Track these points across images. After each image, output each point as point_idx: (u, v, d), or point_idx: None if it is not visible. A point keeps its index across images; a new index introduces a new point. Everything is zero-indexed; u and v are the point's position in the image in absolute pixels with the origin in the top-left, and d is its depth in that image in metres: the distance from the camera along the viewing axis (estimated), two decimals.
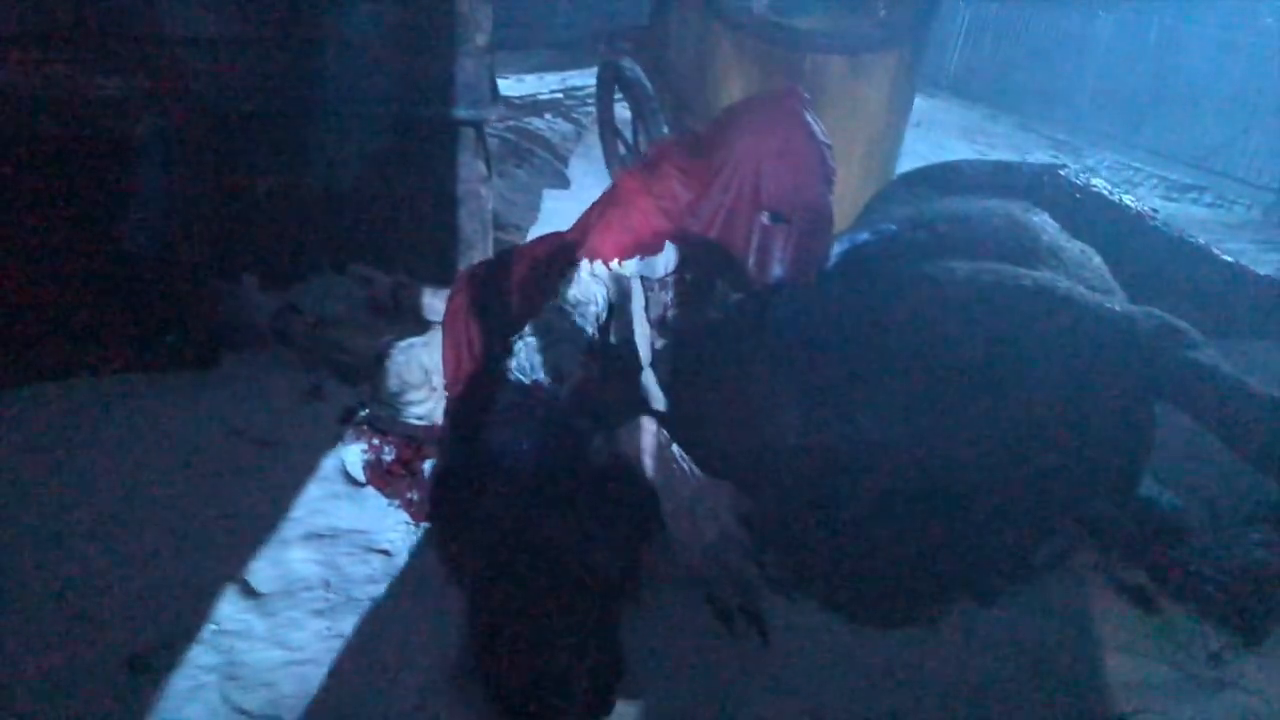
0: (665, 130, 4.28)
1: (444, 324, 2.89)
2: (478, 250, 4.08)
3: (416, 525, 2.44)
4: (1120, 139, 8.75)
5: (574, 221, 2.65)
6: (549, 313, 2.22)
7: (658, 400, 2.34)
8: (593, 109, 7.27)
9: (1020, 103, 9.62)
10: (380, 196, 3.84)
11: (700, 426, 2.31)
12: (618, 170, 5.16)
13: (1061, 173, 3.19)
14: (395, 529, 2.45)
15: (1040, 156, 7.74)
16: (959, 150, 7.45)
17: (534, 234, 5.01)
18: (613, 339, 2.36)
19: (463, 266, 4.07)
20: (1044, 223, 2.84)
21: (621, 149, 5.05)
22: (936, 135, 8.09)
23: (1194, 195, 7.08)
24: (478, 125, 3.88)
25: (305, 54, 3.51)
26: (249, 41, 3.38)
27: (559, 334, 2.17)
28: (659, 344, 2.40)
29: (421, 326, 3.43)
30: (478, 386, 2.46)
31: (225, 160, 3.31)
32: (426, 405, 2.87)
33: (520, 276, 2.56)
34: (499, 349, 2.38)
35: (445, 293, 3.56)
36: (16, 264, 2.83)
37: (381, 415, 2.87)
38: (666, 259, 2.35)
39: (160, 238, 3.02)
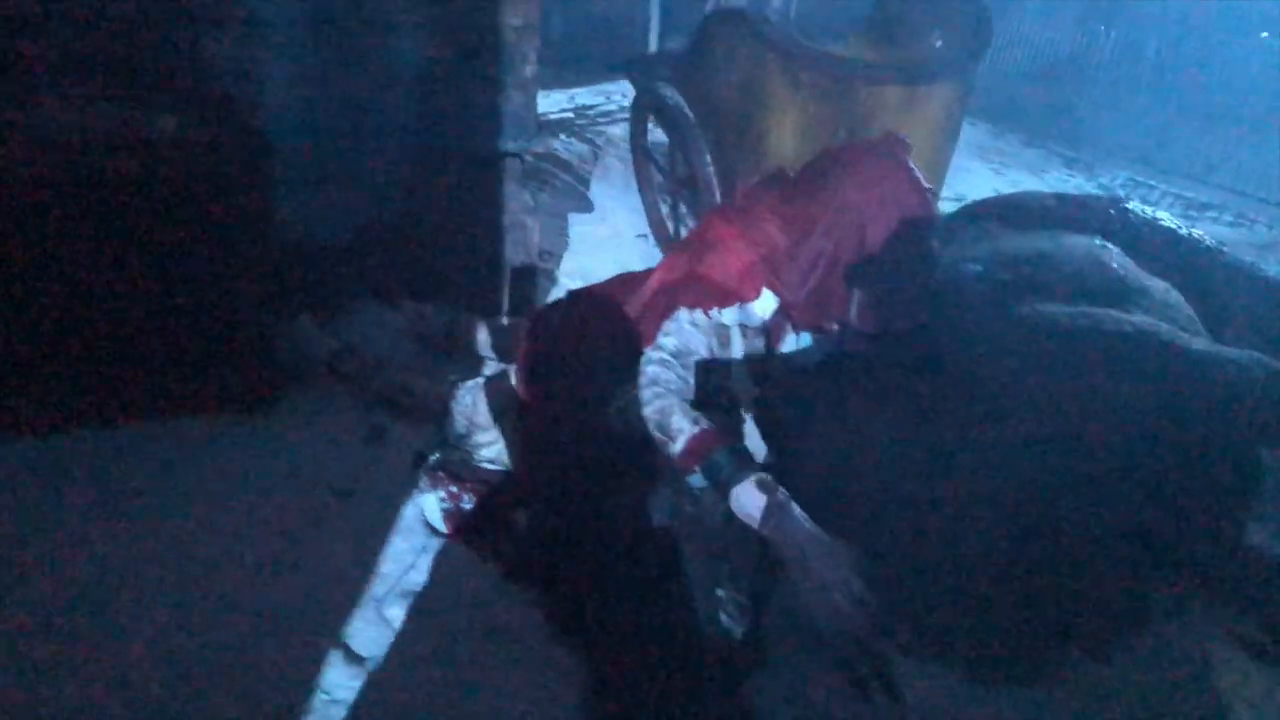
0: (708, 159, 4.24)
1: (514, 368, 2.82)
2: (524, 281, 4.03)
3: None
4: (1127, 154, 8.82)
5: (657, 264, 2.60)
6: (652, 364, 2.15)
7: (761, 453, 2.30)
8: (605, 128, 7.25)
9: (1025, 119, 9.67)
10: (427, 229, 3.78)
11: (806, 479, 2.27)
12: (650, 197, 5.12)
13: (1129, 205, 3.16)
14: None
15: (1054, 175, 7.75)
16: (976, 169, 7.44)
17: (567, 260, 4.95)
18: (714, 390, 2.31)
19: (506, 298, 4.02)
20: (1124, 260, 2.81)
21: (657, 176, 5.01)
22: None
23: (1213, 214, 7.04)
24: (521, 156, 3.85)
25: (354, 87, 3.46)
26: (299, 77, 3.33)
27: (665, 387, 2.11)
28: (758, 394, 2.36)
29: (476, 364, 3.38)
30: (571, 440, 2.40)
31: (276, 196, 3.23)
32: (496, 447, 2.82)
33: (607, 321, 2.51)
34: (595, 402, 2.33)
35: (498, 325, 3.51)
36: (64, 309, 2.75)
37: (453, 460, 2.81)
38: (764, 305, 2.31)
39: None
